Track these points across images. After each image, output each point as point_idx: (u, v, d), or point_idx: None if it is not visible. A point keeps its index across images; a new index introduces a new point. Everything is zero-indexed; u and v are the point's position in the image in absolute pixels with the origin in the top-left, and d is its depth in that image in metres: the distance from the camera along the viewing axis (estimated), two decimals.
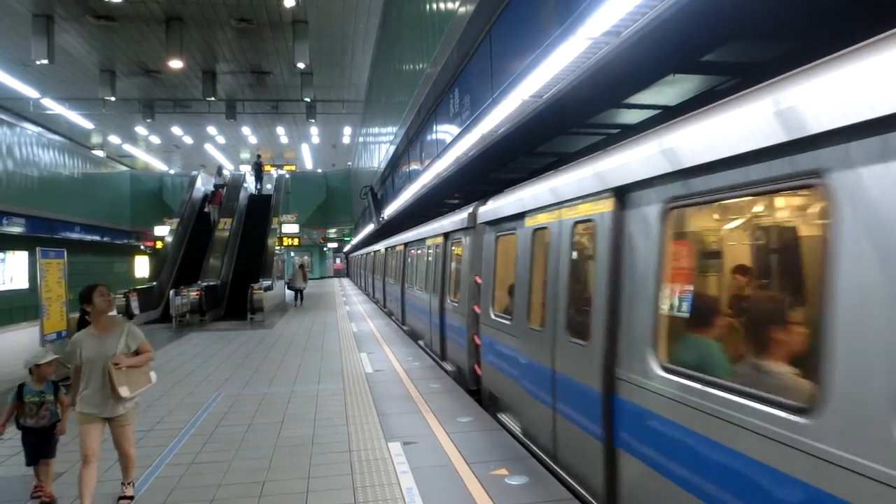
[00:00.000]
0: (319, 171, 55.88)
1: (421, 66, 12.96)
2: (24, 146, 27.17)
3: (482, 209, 8.10)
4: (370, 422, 6.91)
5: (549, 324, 5.33)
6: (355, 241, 44.21)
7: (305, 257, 48.22)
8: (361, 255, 37.86)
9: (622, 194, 4.17)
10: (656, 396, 3.58)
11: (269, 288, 20.31)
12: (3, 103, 31.55)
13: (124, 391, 4.52)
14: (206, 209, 26.18)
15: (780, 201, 3.23)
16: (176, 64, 23.27)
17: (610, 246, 4.23)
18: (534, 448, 5.72)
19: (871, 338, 2.23)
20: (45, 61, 21.40)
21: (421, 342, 12.71)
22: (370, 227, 27.57)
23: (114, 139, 44.53)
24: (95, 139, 41.30)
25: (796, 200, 3.12)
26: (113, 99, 28.79)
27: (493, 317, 7.27)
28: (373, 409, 7.49)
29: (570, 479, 4.88)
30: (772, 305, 3.43)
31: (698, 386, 3.21)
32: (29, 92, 31.17)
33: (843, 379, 2.33)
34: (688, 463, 3.31)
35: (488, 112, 7.12)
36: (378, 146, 26.81)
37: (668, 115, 5.65)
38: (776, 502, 2.61)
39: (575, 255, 5.05)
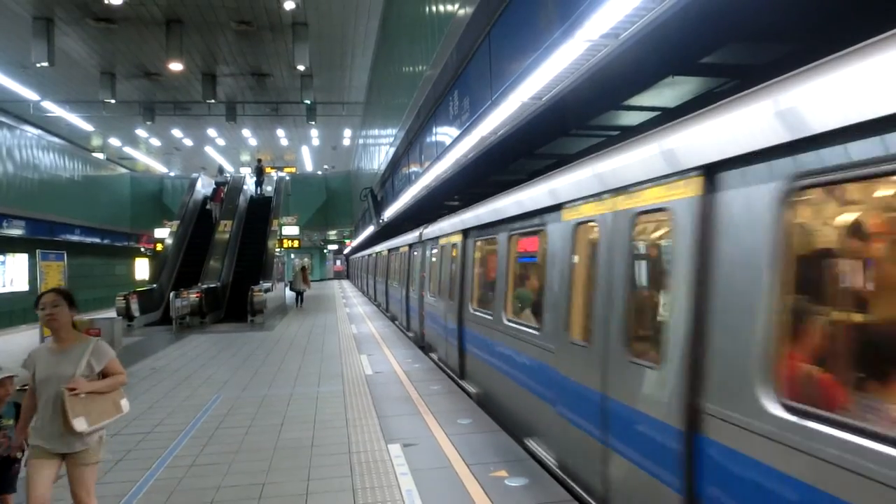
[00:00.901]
0: (319, 173, 55.96)
1: (421, 67, 12.97)
2: (25, 149, 27.19)
3: (424, 231, 12.73)
4: (370, 424, 6.91)
5: (444, 294, 10.12)
6: (355, 243, 44.23)
7: (306, 259, 48.22)
8: (360, 257, 37.92)
9: (465, 232, 8.96)
10: (472, 322, 8.23)
11: (269, 290, 20.31)
12: (4, 106, 31.55)
13: (80, 424, 3.60)
14: (207, 206, 26.61)
15: (494, 242, 7.53)
16: (176, 66, 23.28)
17: (461, 255, 9.09)
18: (443, 366, 10.15)
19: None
20: (45, 64, 21.39)
21: (396, 322, 17.14)
22: (370, 230, 27.61)
23: (114, 141, 44.58)
24: (96, 141, 41.36)
25: (494, 242, 7.44)
26: (113, 101, 28.81)
27: (429, 296, 11.82)
28: (373, 410, 7.50)
29: (447, 369, 9.81)
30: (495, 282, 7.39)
31: (479, 314, 7.89)
32: (29, 94, 31.20)
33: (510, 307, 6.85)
34: (482, 348, 7.71)
35: (488, 114, 7.13)
36: (378, 148, 26.83)
37: (667, 117, 5.66)
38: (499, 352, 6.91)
39: (452, 259, 9.67)
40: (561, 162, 7.70)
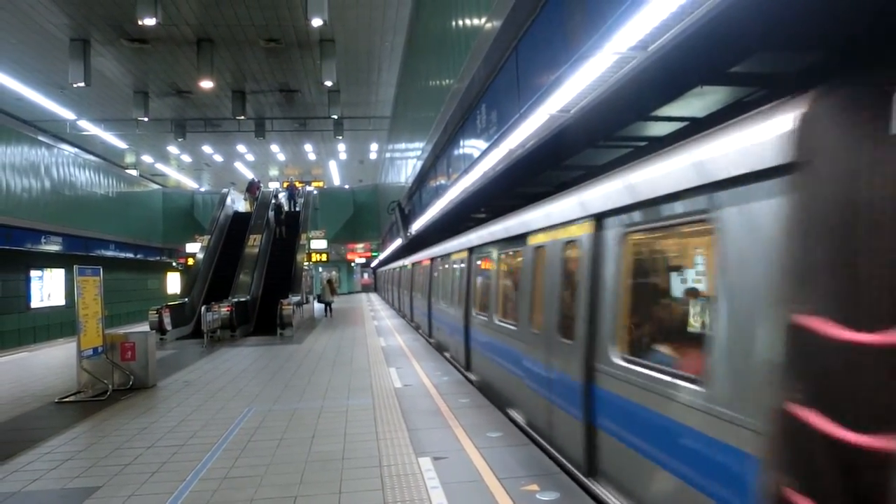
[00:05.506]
0: (347, 186, 56.51)
1: (447, 81, 13.04)
2: (62, 166, 27.98)
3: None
4: (400, 437, 6.92)
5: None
6: (382, 256, 44.49)
7: (333, 272, 48.60)
8: (388, 270, 38.12)
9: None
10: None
11: (298, 303, 20.46)
12: (42, 125, 32.50)
13: None
14: (244, 198, 28.89)
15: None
16: (207, 84, 23.72)
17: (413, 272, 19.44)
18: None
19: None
20: (81, 84, 21.98)
21: (403, 317, 20.77)
22: (397, 243, 27.76)
23: (147, 158, 45.50)
24: (129, 159, 42.31)
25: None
26: (146, 119, 29.43)
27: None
28: (402, 424, 7.50)
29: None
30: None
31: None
32: (66, 114, 32.05)
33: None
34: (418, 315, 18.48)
35: (516, 127, 7.13)
36: (405, 162, 26.99)
37: (695, 128, 5.62)
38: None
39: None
40: (588, 174, 7.67)
